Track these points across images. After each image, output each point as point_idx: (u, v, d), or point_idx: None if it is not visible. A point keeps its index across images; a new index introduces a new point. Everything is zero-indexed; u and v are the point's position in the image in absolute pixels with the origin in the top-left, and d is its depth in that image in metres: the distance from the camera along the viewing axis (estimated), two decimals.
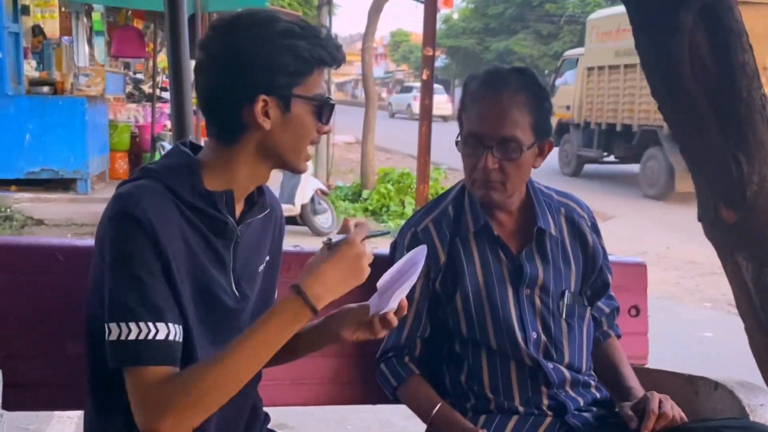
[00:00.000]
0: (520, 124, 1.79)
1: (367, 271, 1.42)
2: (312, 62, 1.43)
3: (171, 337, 1.35)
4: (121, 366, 1.34)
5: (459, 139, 1.87)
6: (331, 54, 1.45)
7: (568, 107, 15.77)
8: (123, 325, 1.32)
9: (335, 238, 1.43)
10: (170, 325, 1.35)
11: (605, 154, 15.27)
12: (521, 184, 1.89)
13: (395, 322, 1.49)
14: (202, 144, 1.55)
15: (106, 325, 1.34)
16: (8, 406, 1.67)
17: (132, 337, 1.32)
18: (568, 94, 15.79)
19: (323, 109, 1.47)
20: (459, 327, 1.87)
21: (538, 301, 1.88)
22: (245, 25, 1.42)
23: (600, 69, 14.85)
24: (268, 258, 1.62)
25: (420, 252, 1.53)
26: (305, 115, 1.45)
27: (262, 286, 1.60)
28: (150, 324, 1.33)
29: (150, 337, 1.33)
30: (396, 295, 1.47)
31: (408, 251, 1.89)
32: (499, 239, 1.89)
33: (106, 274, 1.36)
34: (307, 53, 1.42)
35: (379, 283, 1.49)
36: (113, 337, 1.33)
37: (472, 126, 1.82)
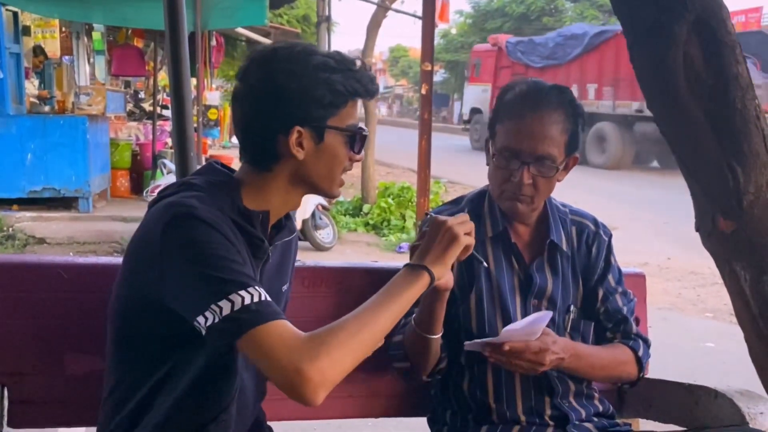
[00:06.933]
0: (556, 143, 1.82)
1: (463, 237, 1.53)
2: (346, 95, 1.48)
3: (271, 299, 1.36)
4: (242, 335, 1.29)
5: (491, 149, 1.88)
6: (365, 86, 1.50)
7: None
8: (234, 296, 1.30)
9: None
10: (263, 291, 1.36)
11: None
12: (546, 198, 1.92)
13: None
14: (203, 162, 1.59)
15: (203, 315, 1.31)
16: (13, 423, 1.68)
17: (247, 302, 1.30)
18: None
19: (356, 139, 1.52)
20: (469, 326, 1.87)
21: None
22: (283, 57, 1.46)
23: None
24: (287, 283, 1.69)
25: (544, 317, 1.70)
26: (338, 144, 1.50)
27: (284, 307, 1.65)
28: (257, 288, 1.33)
29: (262, 298, 1.33)
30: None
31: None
32: (515, 247, 1.91)
33: (177, 273, 1.35)
34: (341, 86, 1.46)
35: (503, 332, 1.71)
36: (226, 311, 1.29)
37: (509, 141, 1.83)
